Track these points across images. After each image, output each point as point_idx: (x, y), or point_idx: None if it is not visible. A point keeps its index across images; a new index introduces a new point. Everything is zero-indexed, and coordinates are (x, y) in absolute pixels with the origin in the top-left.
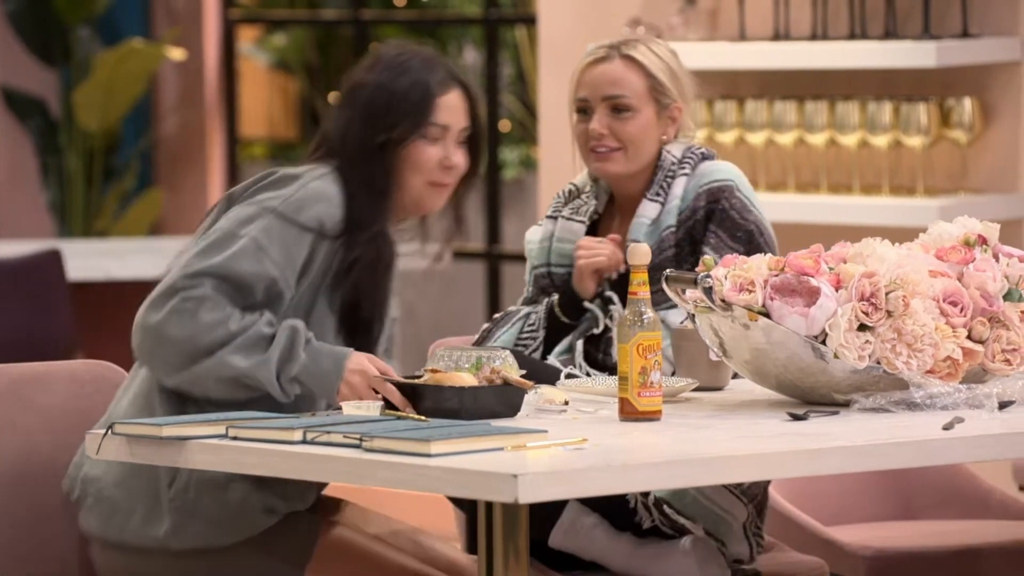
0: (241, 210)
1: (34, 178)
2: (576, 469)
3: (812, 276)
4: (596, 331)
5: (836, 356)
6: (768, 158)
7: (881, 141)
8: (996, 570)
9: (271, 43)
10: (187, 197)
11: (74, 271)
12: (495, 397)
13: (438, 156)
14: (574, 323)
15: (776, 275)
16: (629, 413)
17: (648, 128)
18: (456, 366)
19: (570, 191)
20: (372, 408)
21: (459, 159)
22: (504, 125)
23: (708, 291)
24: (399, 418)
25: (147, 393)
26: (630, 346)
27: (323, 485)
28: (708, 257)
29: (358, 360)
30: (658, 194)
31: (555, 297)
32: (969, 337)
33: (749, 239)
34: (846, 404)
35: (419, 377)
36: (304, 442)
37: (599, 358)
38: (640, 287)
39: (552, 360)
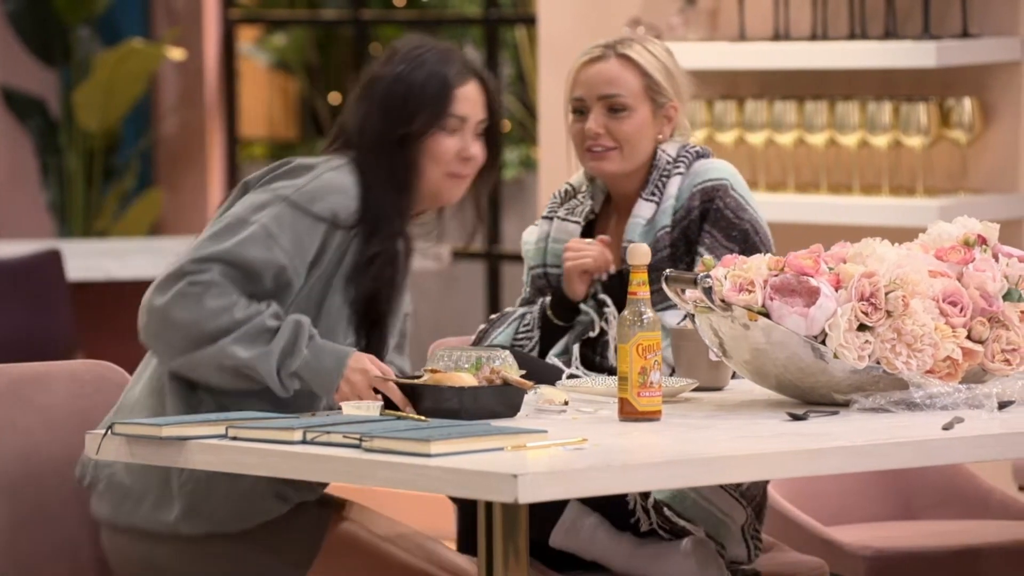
0: (254, 197)
1: (34, 178)
2: (576, 469)
3: (812, 276)
4: (592, 335)
5: (836, 356)
6: (768, 158)
7: (881, 141)
8: (996, 570)
9: (271, 43)
10: (187, 197)
11: (74, 271)
12: (495, 397)
13: (456, 147)
14: (567, 325)
15: (776, 275)
16: (629, 413)
17: (644, 127)
18: (456, 366)
19: (566, 191)
20: (372, 408)
21: (477, 150)
22: (504, 125)
23: (708, 291)
24: (399, 418)
25: (159, 378)
26: (630, 346)
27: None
28: (708, 257)
29: (360, 359)
30: (653, 194)
31: (547, 299)
32: (969, 337)
33: (744, 238)
34: (846, 404)
35: (419, 377)
36: (304, 442)
37: (596, 361)
38: (640, 287)
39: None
